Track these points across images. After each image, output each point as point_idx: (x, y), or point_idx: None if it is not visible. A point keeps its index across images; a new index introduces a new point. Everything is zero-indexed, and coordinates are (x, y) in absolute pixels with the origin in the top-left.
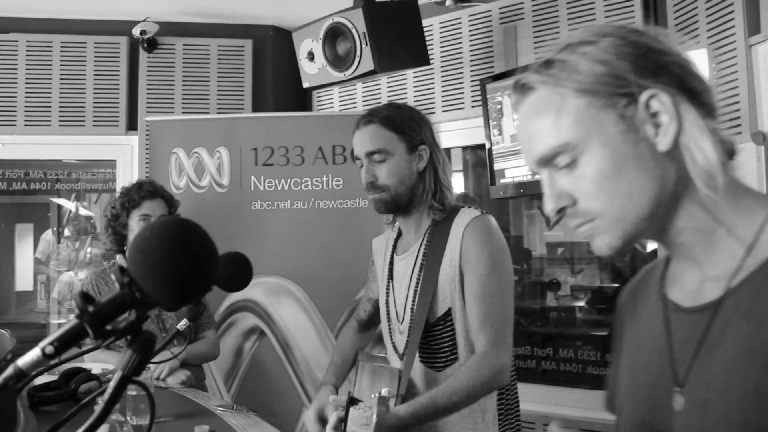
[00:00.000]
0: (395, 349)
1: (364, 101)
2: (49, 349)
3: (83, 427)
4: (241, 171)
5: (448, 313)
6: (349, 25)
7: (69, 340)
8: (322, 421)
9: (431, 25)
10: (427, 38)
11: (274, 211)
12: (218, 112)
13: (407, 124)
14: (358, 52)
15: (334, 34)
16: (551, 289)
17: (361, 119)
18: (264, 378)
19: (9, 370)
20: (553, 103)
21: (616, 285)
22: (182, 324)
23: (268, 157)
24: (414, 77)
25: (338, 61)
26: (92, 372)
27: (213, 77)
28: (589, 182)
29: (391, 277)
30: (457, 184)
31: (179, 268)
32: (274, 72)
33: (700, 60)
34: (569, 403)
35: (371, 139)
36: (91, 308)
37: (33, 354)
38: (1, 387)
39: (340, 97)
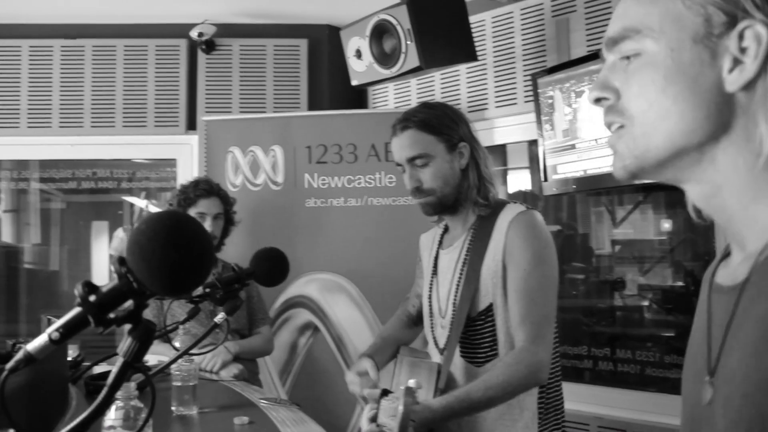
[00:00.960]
0: (436, 343)
1: (418, 97)
2: (55, 335)
3: (87, 411)
4: (295, 169)
5: (490, 308)
6: (395, 22)
7: (73, 327)
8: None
9: (483, 21)
10: (479, 34)
11: (327, 209)
12: (274, 111)
13: (444, 124)
14: (404, 49)
15: (381, 31)
16: (616, 288)
17: (397, 125)
18: (318, 373)
19: (19, 354)
20: None
21: (685, 284)
22: (219, 317)
23: (321, 155)
24: (467, 73)
25: (385, 58)
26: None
27: (269, 77)
28: (636, 80)
29: (435, 271)
30: (524, 180)
31: (169, 259)
32: (329, 70)
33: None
34: (625, 405)
35: (410, 145)
36: (92, 297)
37: (41, 339)
38: (12, 369)
39: (395, 94)
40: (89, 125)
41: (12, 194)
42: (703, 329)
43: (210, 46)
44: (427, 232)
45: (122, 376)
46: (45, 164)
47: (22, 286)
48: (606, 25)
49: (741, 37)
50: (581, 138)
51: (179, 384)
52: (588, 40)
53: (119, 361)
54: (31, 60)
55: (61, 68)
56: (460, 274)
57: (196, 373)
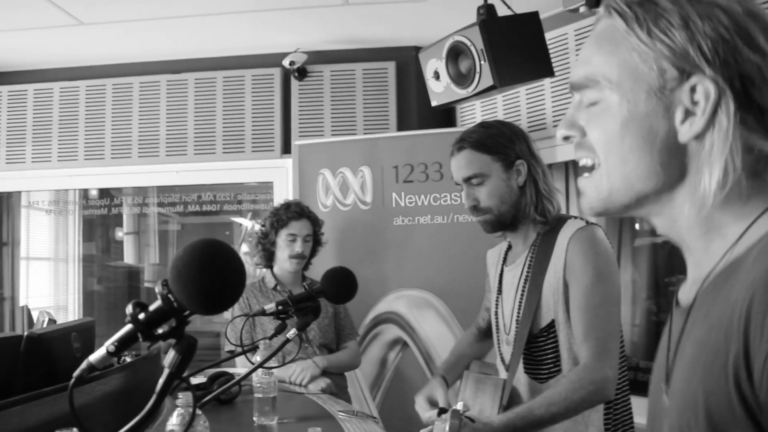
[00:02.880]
0: (502, 360)
1: (504, 114)
2: (111, 348)
3: (138, 417)
4: (383, 188)
5: (552, 324)
6: (468, 43)
7: (125, 342)
8: (432, 404)
9: (566, 34)
10: (561, 48)
11: (414, 227)
12: (365, 133)
13: (499, 143)
14: (478, 69)
15: (456, 53)
16: None
17: (454, 145)
18: (407, 388)
19: (83, 365)
20: (614, 39)
21: None
22: (291, 333)
23: (408, 174)
24: (551, 87)
25: (461, 79)
26: (235, 376)
27: (359, 99)
28: (597, 128)
29: (500, 288)
30: None
31: (202, 283)
32: (417, 91)
33: None
34: None
35: (466, 165)
36: (141, 315)
37: (100, 352)
38: (78, 379)
39: (482, 111)
40: (192, 152)
41: (133, 218)
42: (665, 341)
43: (302, 73)
44: (494, 247)
45: (168, 386)
46: (162, 189)
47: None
48: None
49: (693, 90)
50: None
51: (260, 396)
52: None
53: (165, 371)
54: (141, 95)
55: (167, 101)
56: (523, 291)
57: (276, 385)
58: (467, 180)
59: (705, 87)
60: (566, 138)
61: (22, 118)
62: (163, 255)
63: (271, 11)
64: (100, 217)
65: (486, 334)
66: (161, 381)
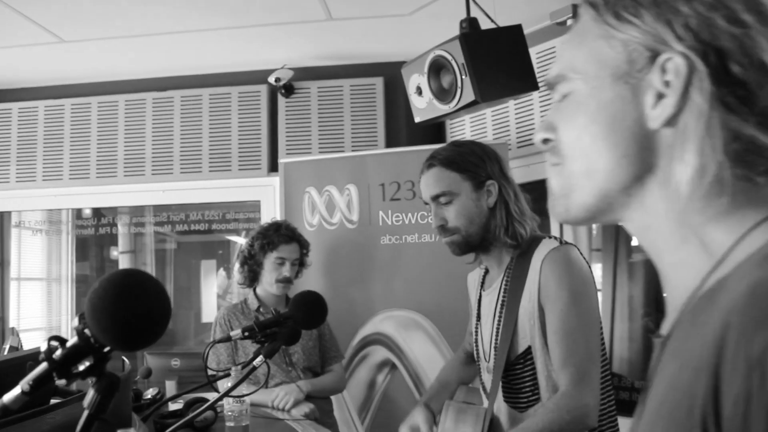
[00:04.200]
0: (484, 388)
1: (494, 129)
2: (26, 387)
3: None
4: (369, 207)
5: (528, 351)
6: (449, 57)
7: (40, 381)
8: None
9: (553, 48)
10: (549, 61)
11: (401, 245)
12: (353, 150)
13: (469, 161)
14: (459, 84)
15: (438, 67)
16: None
17: (424, 163)
18: (396, 411)
19: None
20: (583, 31)
21: None
22: (258, 360)
23: (395, 192)
24: (540, 102)
25: (443, 94)
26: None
27: (347, 116)
28: (564, 119)
29: (479, 314)
30: None
31: (117, 317)
32: (406, 107)
33: None
34: None
35: (434, 182)
36: (56, 354)
37: (14, 391)
38: None
39: (471, 127)
40: (178, 171)
41: (128, 237)
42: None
43: (289, 89)
44: (474, 270)
45: (88, 428)
46: (158, 208)
47: None
48: None
49: (664, 70)
50: None
51: (231, 424)
52: None
53: (85, 413)
54: (126, 113)
55: (153, 119)
56: (499, 317)
57: (248, 413)
58: (435, 198)
59: (674, 62)
60: (545, 141)
61: (6, 137)
62: (160, 274)
63: (256, 27)
64: (94, 237)
65: (472, 358)
66: (80, 423)
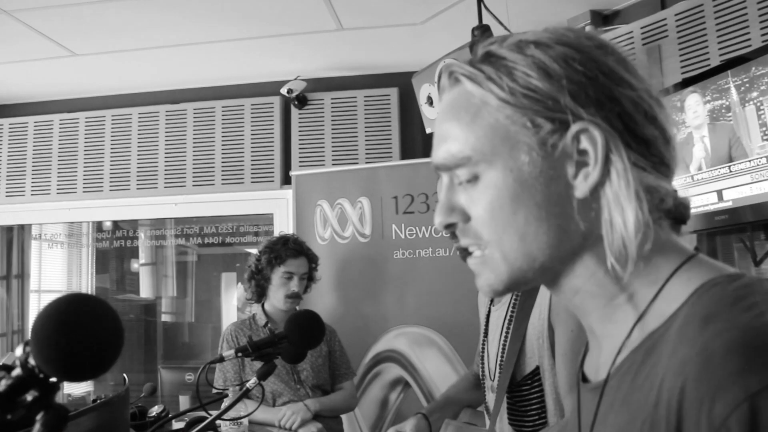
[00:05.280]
0: (487, 409)
1: None
2: None
3: None
4: (382, 220)
5: (536, 371)
6: None
7: None
8: None
9: None
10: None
11: (415, 260)
12: (367, 162)
13: None
14: None
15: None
16: None
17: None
18: None
19: None
20: (471, 106)
21: None
22: (251, 382)
23: (408, 205)
24: None
25: None
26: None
27: (361, 127)
28: (482, 208)
29: (486, 331)
30: None
31: (59, 347)
32: (421, 118)
33: (690, 102)
34: None
35: None
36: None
37: None
38: None
39: None
40: (191, 184)
41: (150, 250)
42: (574, 419)
43: (302, 101)
44: None
45: None
46: (179, 221)
47: (159, 337)
48: (703, 49)
49: (577, 139)
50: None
51: None
52: (683, 67)
53: None
54: (140, 126)
55: (166, 131)
56: (506, 333)
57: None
58: None
59: (590, 133)
60: (448, 226)
61: (22, 151)
62: (181, 286)
63: (267, 38)
64: (113, 249)
65: (481, 380)
66: None
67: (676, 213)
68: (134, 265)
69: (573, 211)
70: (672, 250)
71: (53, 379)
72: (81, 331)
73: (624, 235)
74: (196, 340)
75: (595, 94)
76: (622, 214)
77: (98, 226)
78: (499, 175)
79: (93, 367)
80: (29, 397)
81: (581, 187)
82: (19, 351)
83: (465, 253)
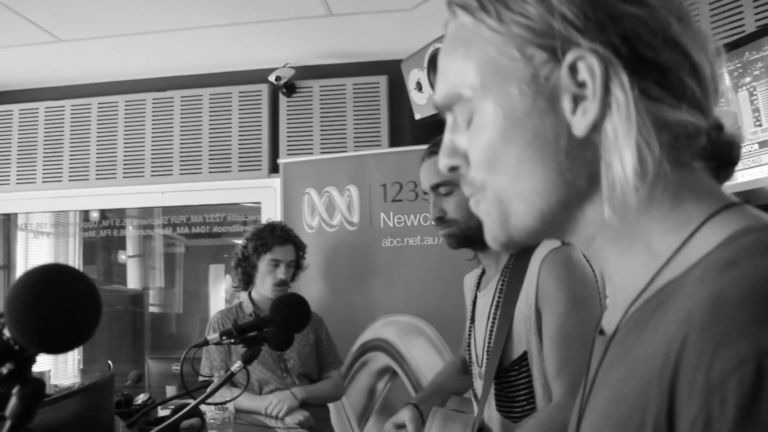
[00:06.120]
0: (475, 395)
1: None
2: None
3: None
4: (370, 208)
5: (524, 356)
6: None
7: None
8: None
9: None
10: None
11: (404, 248)
12: (355, 150)
13: None
14: None
15: (437, 62)
16: None
17: (425, 151)
18: None
19: None
20: (464, 40)
21: None
22: (236, 366)
23: (396, 193)
24: None
25: None
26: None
27: (349, 115)
28: (476, 148)
29: (473, 316)
30: None
31: (37, 316)
32: (411, 105)
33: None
34: None
35: (435, 171)
36: None
37: None
38: None
39: None
40: (178, 172)
41: (137, 240)
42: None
43: (290, 89)
44: (472, 272)
45: None
46: (166, 210)
47: (146, 327)
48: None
49: (573, 70)
50: None
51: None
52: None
53: (7, 423)
54: (126, 113)
55: (153, 119)
56: (494, 319)
57: (231, 422)
58: (435, 188)
59: (587, 62)
60: (452, 169)
61: (7, 139)
62: (169, 279)
63: (255, 24)
64: (101, 240)
65: (467, 368)
66: None
67: (717, 153)
68: (122, 256)
69: (572, 151)
70: (707, 196)
71: (30, 352)
72: (57, 299)
73: (622, 180)
74: (184, 331)
75: (596, 15)
76: (619, 153)
77: (85, 216)
78: (490, 112)
79: (70, 336)
80: (4, 371)
81: (579, 123)
82: None
83: (452, 240)
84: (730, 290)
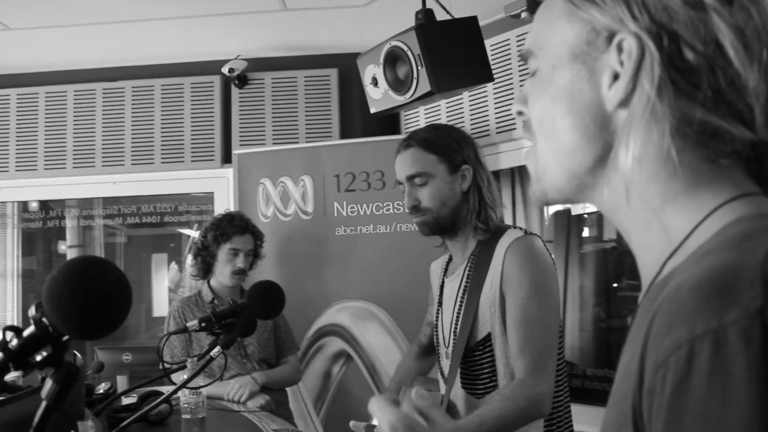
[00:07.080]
0: (442, 374)
1: (448, 120)
2: None
3: None
4: (324, 198)
5: (488, 338)
6: (405, 48)
7: None
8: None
9: (508, 40)
10: (504, 53)
11: (357, 236)
12: (307, 141)
13: (447, 145)
14: (415, 74)
15: (393, 58)
16: None
17: (401, 143)
18: (352, 402)
19: None
20: (551, 5)
21: None
22: (215, 351)
23: (350, 183)
24: (495, 93)
25: (399, 85)
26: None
27: (301, 107)
28: (533, 98)
29: (440, 300)
30: None
31: (77, 305)
32: (361, 98)
33: None
34: None
35: (411, 163)
36: (13, 343)
37: None
38: None
39: (426, 118)
40: (130, 163)
41: (77, 231)
42: None
43: (242, 80)
44: (438, 259)
45: (46, 420)
46: (107, 201)
47: None
48: None
49: (620, 50)
50: None
51: (188, 417)
52: None
53: (42, 404)
54: (76, 103)
55: (103, 109)
56: (461, 303)
57: (204, 405)
58: (411, 179)
59: (628, 43)
60: (520, 113)
61: None
62: None
63: (209, 17)
64: (41, 231)
65: (427, 350)
66: (38, 414)
67: (758, 165)
68: (62, 247)
69: (601, 122)
70: (728, 186)
71: (65, 338)
72: (95, 289)
73: (623, 163)
74: (130, 321)
75: (654, 8)
76: (628, 138)
77: (24, 207)
78: (546, 72)
79: (106, 324)
80: (38, 357)
81: (610, 99)
82: (32, 311)
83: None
84: (690, 279)
